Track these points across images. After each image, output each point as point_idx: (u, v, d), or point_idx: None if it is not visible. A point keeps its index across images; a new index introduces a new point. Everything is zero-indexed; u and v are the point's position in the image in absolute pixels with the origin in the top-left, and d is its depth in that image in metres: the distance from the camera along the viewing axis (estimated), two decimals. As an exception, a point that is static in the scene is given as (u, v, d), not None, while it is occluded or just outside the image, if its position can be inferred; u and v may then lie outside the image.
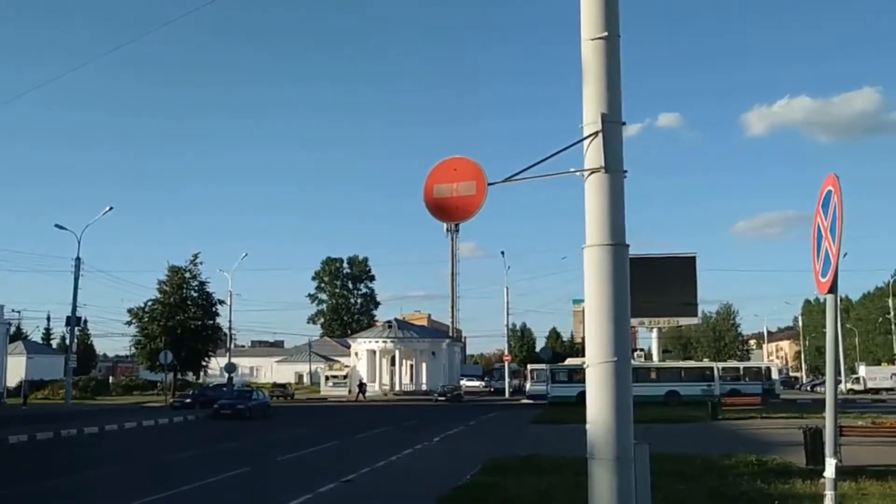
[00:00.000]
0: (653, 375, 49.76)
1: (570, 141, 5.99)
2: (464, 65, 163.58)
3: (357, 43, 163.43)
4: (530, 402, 54.51)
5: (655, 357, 57.58)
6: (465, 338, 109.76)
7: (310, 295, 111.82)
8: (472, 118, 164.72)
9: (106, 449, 25.56)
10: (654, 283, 46.42)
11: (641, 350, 63.41)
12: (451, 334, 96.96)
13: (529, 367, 62.45)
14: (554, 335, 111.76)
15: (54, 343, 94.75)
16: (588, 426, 5.68)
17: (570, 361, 56.45)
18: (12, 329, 65.26)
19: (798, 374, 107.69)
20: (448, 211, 6.21)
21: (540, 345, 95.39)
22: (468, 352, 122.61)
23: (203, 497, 15.23)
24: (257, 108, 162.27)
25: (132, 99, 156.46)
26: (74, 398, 52.85)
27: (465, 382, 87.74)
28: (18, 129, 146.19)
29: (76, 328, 52.35)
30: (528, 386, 60.07)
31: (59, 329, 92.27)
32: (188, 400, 48.19)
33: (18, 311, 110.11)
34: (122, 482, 17.51)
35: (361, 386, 67.83)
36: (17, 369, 67.07)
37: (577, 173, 5.93)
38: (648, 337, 60.62)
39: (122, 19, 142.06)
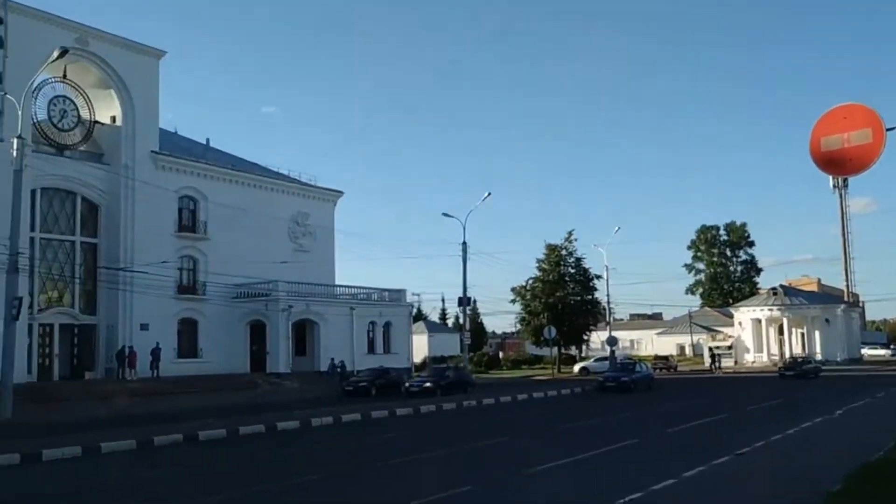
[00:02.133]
0: None
1: None
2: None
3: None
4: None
5: None
6: (862, 302, 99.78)
7: (686, 265, 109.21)
8: (864, 56, 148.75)
9: (503, 418, 27.34)
10: None
11: None
12: (846, 299, 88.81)
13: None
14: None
15: (449, 322, 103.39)
16: None
17: None
18: (414, 310, 72.18)
19: None
20: (840, 163, 5.70)
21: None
22: (867, 318, 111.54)
23: (600, 464, 15.68)
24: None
25: (493, 111, 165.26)
26: (471, 372, 57.23)
27: (866, 351, 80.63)
28: (415, 134, 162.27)
29: (467, 308, 56.37)
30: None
31: (452, 309, 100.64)
32: (363, 383, 39.01)
33: (418, 294, 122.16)
34: (528, 449, 18.57)
35: (714, 357, 65.54)
36: (421, 346, 74.52)
37: None
38: None
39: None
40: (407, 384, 38.44)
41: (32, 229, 40.58)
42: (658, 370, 59.19)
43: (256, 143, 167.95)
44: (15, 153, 28.04)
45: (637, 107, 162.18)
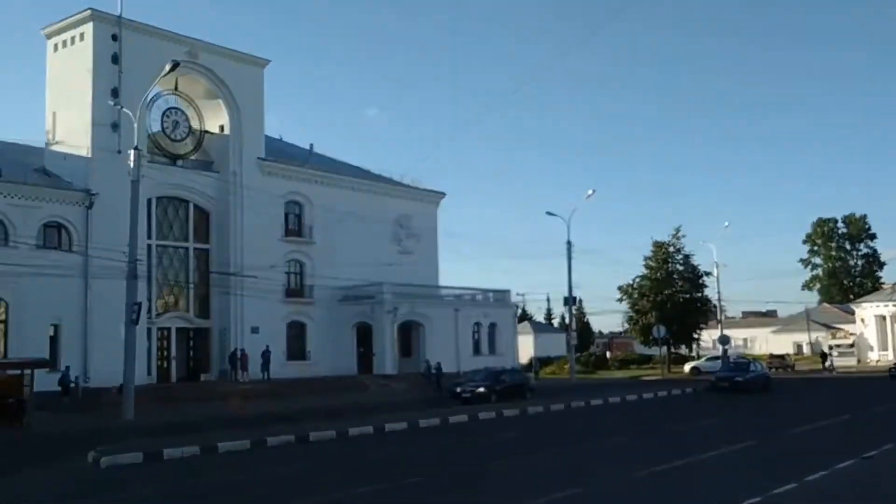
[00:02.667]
0: None
1: None
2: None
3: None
4: None
5: None
6: None
7: (802, 260, 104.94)
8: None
9: (613, 419, 26.85)
10: None
11: None
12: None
13: None
14: None
15: (555, 322, 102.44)
16: None
17: None
18: (519, 311, 71.74)
19: None
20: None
21: None
22: None
23: (716, 467, 15.19)
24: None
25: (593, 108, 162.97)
26: (577, 372, 56.56)
27: None
28: (516, 134, 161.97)
29: (573, 307, 55.76)
30: None
31: (557, 309, 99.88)
32: (458, 389, 35.49)
33: (522, 294, 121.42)
34: (639, 450, 18.15)
35: (824, 356, 63.33)
36: (526, 347, 73.98)
37: None
38: None
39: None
40: (458, 389, 35.53)
41: (149, 237, 42.21)
42: (774, 369, 57.01)
43: (359, 146, 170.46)
44: (132, 164, 29.26)
45: (745, 103, 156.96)
